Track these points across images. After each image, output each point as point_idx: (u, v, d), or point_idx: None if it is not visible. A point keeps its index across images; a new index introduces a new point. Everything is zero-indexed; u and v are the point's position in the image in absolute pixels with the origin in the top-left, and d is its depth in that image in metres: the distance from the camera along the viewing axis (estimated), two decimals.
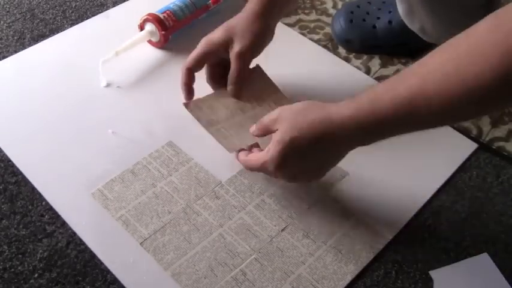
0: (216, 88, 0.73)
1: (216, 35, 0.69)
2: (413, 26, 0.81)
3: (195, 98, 0.72)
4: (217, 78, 0.72)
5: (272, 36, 0.71)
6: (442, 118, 0.50)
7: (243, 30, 0.68)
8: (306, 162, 0.58)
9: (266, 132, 0.62)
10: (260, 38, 0.69)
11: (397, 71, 0.84)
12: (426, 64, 0.49)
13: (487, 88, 0.45)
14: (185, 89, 0.71)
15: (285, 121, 0.58)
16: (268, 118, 0.61)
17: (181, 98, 0.77)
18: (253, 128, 0.64)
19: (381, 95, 0.51)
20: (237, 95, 0.71)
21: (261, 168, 0.61)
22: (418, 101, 0.48)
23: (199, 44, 0.70)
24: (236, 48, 0.68)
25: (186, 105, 0.71)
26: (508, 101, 0.48)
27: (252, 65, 0.72)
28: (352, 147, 0.56)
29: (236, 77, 0.69)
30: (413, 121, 0.51)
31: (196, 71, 0.71)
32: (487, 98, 0.46)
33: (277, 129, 0.59)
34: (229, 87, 0.70)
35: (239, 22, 0.69)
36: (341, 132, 0.54)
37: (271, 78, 0.77)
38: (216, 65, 0.72)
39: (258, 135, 0.64)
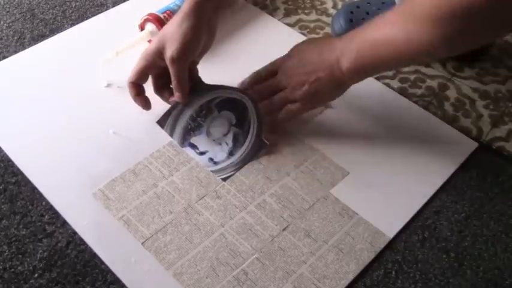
0: (164, 98, 0.71)
1: (150, 45, 0.68)
2: None
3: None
4: (164, 88, 0.71)
5: (213, 33, 0.69)
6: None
7: (172, 33, 0.65)
8: (309, 51, 0.69)
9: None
10: (192, 37, 0.66)
11: (397, 71, 0.84)
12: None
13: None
14: (137, 100, 0.70)
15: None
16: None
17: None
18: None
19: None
20: (185, 101, 0.70)
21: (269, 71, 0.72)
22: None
23: (140, 56, 0.69)
24: (167, 54, 0.65)
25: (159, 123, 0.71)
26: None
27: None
28: (341, 57, 0.65)
29: (176, 84, 0.67)
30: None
31: (142, 83, 0.70)
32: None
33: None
34: (175, 95, 0.69)
35: (169, 26, 0.67)
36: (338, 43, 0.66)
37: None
38: (160, 75, 0.70)
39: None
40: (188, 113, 0.72)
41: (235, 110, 0.72)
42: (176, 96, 0.69)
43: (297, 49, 0.71)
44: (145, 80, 0.70)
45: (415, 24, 0.58)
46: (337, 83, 0.67)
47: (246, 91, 0.73)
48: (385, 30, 0.62)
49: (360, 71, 0.65)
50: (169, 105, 0.72)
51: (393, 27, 0.61)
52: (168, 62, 0.66)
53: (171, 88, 0.71)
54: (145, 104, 0.71)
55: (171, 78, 0.68)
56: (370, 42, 0.63)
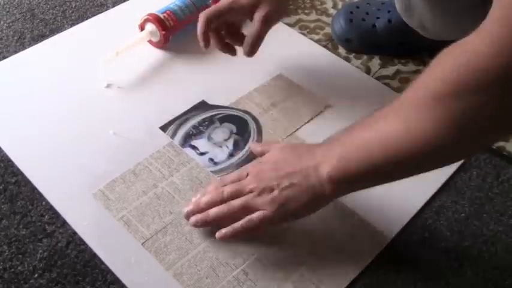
0: (215, 41, 0.72)
1: None
2: (412, 22, 0.81)
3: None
4: (217, 32, 0.73)
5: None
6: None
7: None
8: (285, 156, 0.59)
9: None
10: (285, 3, 0.71)
11: (397, 71, 0.84)
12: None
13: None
14: (203, 38, 0.71)
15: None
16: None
17: (182, 97, 0.77)
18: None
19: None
20: (251, 55, 0.71)
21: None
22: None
23: (225, 1, 0.70)
24: (263, 12, 0.68)
25: None
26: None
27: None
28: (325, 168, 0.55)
29: (256, 39, 0.70)
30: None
31: (212, 22, 0.71)
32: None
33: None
34: (246, 48, 0.71)
35: None
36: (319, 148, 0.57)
37: (271, 78, 0.79)
38: (226, 24, 0.72)
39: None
40: (191, 123, 0.73)
41: (236, 123, 0.74)
42: (246, 52, 0.71)
43: (274, 152, 0.61)
44: (218, 22, 0.71)
45: (418, 110, 0.48)
46: (314, 194, 0.56)
47: (248, 111, 0.75)
48: (377, 127, 0.52)
49: (343, 180, 0.54)
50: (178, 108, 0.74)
51: (387, 121, 0.51)
52: (260, 19, 0.68)
53: (219, 34, 0.73)
54: (207, 42, 0.71)
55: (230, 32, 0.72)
56: (357, 142, 0.53)
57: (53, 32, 0.86)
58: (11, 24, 0.87)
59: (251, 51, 0.71)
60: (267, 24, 0.69)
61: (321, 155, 0.56)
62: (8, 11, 0.89)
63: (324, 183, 0.55)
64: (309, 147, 0.59)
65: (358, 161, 0.53)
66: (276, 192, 0.56)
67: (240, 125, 0.74)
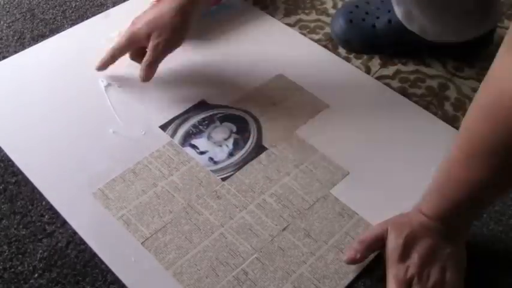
0: (139, 62, 0.75)
1: (140, 29, 0.73)
2: (413, 27, 0.81)
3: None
4: (141, 56, 0.75)
5: (189, 30, 0.74)
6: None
7: (164, 25, 0.72)
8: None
9: (374, 247, 0.60)
10: (178, 32, 0.73)
11: (397, 71, 0.84)
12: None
13: None
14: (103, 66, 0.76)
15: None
16: (371, 234, 0.60)
17: (182, 97, 0.77)
18: (351, 253, 0.59)
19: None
20: (146, 80, 0.74)
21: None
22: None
23: (124, 35, 0.74)
24: (154, 41, 0.72)
25: None
26: None
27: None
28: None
29: (147, 65, 0.73)
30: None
31: (121, 54, 0.76)
32: None
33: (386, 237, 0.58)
34: (140, 73, 0.73)
35: (162, 15, 0.72)
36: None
37: (271, 78, 0.79)
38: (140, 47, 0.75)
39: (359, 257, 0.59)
40: (191, 122, 0.73)
41: (236, 122, 0.74)
42: (141, 76, 0.73)
43: (396, 238, 0.58)
44: (125, 53, 0.76)
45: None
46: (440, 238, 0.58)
47: (247, 110, 0.75)
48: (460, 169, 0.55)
49: (445, 209, 0.56)
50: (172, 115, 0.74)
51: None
52: (151, 47, 0.72)
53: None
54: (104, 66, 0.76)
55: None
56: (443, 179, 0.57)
57: (53, 32, 0.86)
58: (11, 24, 0.87)
59: (145, 76, 0.73)
60: (156, 52, 0.72)
61: (422, 216, 0.58)
62: (8, 11, 0.89)
63: (431, 218, 0.57)
64: (411, 221, 0.59)
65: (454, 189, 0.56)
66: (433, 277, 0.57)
67: (240, 125, 0.74)
